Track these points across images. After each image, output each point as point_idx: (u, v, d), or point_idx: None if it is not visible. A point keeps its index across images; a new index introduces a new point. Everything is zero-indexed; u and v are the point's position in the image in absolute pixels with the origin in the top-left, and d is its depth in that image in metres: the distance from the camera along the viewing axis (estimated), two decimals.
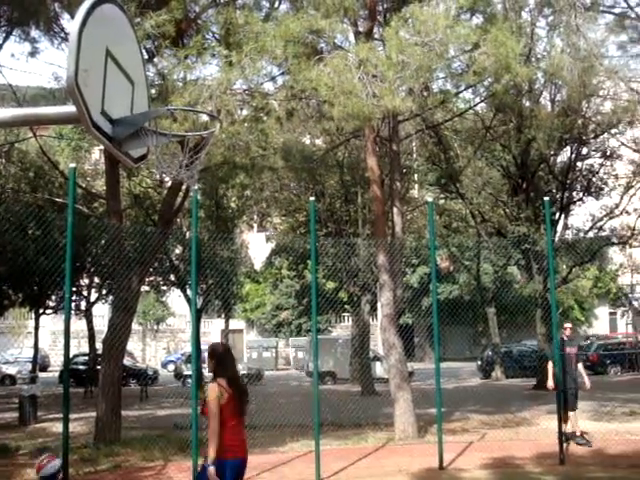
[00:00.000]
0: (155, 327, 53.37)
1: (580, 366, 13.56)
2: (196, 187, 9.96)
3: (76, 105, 4.53)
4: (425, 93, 16.96)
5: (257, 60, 10.85)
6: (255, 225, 35.25)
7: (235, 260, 30.49)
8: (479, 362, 36.99)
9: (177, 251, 28.30)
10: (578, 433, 12.95)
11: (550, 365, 13.22)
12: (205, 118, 12.69)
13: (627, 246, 31.99)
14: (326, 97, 11.23)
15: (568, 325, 14.10)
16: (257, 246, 36.54)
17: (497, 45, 11.85)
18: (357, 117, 11.34)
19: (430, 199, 13.70)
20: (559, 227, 28.22)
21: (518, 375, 32.74)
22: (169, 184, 17.64)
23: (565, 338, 13.52)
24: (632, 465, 10.72)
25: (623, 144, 24.78)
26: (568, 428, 12.81)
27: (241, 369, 35.00)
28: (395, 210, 16.27)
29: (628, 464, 10.82)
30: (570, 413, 12.90)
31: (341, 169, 26.31)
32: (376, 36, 14.62)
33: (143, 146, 5.32)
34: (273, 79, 14.00)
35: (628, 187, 29.08)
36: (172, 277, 28.88)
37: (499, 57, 12.01)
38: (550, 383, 13.19)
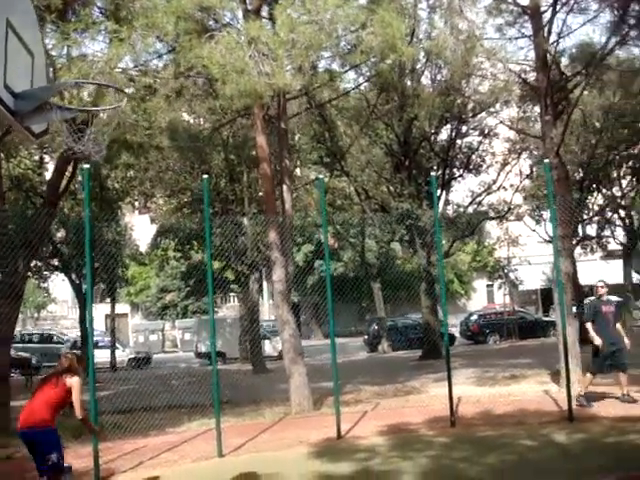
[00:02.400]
0: (36, 314, 51.59)
1: (618, 326, 12.62)
2: (87, 166, 9.73)
3: None
4: (312, 72, 17.16)
5: (148, 36, 10.69)
6: (140, 206, 34.45)
7: (120, 242, 29.81)
8: (366, 336, 37.81)
9: (59, 234, 27.35)
10: (582, 393, 12.42)
11: (589, 325, 12.59)
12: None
13: (504, 220, 33.53)
14: (218, 75, 11.18)
15: (600, 284, 13.16)
16: (142, 228, 35.85)
17: (384, 25, 12.13)
18: (249, 95, 11.36)
19: (321, 176, 13.92)
20: (440, 203, 29.17)
21: (404, 347, 33.61)
22: (52, 165, 17.09)
23: (600, 296, 12.91)
24: (518, 422, 11.43)
25: (501, 122, 25.92)
26: (580, 390, 12.46)
27: (129, 353, 34.55)
28: (285, 188, 16.34)
29: (514, 422, 11.51)
30: (588, 375, 12.52)
31: (226, 148, 26.15)
32: (264, 14, 14.59)
33: (47, 120, 5.21)
34: (160, 57, 13.79)
35: (504, 164, 30.54)
36: (55, 262, 27.91)
37: (386, 37, 12.30)
38: (598, 341, 12.27)
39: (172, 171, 27.46)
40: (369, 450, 10.26)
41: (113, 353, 30.74)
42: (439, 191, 28.35)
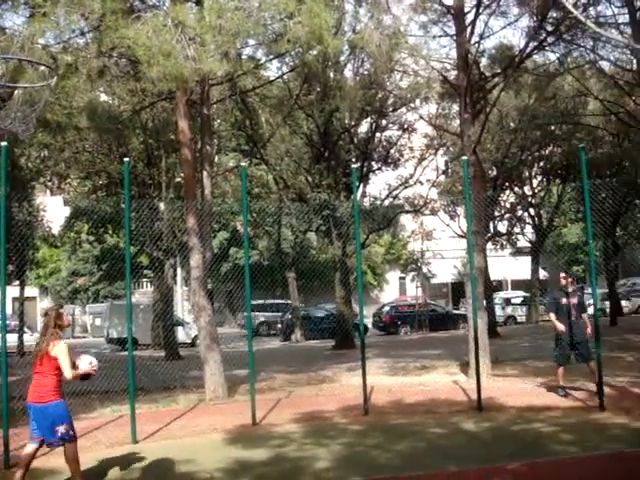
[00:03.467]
0: None
1: (585, 316, 12.51)
2: (4, 143, 9.41)
3: None
4: (237, 59, 17.08)
5: (72, 13, 10.41)
6: (53, 187, 33.51)
7: (32, 224, 28.97)
8: (279, 325, 37.95)
9: None
10: (561, 385, 12.52)
11: (552, 315, 12.56)
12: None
13: (419, 214, 34.22)
14: (143, 57, 11.00)
15: (562, 274, 13.01)
16: (54, 209, 34.95)
17: (312, 16, 12.18)
18: (175, 79, 11.24)
19: (243, 164, 13.90)
20: (358, 195, 29.46)
21: (317, 337, 33.96)
22: None
23: (563, 288, 12.69)
24: (428, 411, 11.81)
25: (421, 118, 26.40)
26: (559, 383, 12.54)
27: (37, 337, 33.60)
28: (205, 174, 16.23)
29: (424, 410, 11.90)
30: (559, 369, 12.50)
31: (145, 131, 25.71)
32: None
33: None
34: (83, 34, 13.42)
35: (422, 159, 31.16)
36: None
37: (313, 28, 12.34)
38: (560, 327, 12.28)
39: (89, 152, 26.83)
40: (284, 437, 10.37)
41: (21, 337, 29.88)
42: (357, 183, 28.68)
